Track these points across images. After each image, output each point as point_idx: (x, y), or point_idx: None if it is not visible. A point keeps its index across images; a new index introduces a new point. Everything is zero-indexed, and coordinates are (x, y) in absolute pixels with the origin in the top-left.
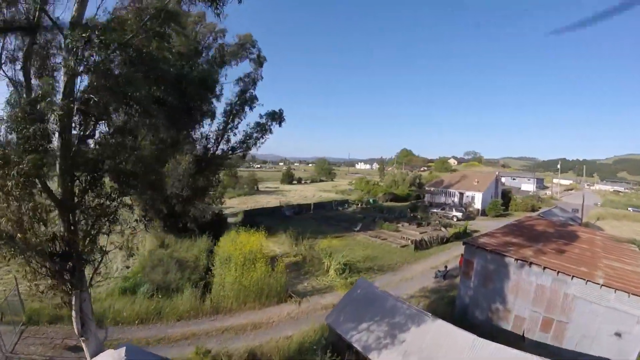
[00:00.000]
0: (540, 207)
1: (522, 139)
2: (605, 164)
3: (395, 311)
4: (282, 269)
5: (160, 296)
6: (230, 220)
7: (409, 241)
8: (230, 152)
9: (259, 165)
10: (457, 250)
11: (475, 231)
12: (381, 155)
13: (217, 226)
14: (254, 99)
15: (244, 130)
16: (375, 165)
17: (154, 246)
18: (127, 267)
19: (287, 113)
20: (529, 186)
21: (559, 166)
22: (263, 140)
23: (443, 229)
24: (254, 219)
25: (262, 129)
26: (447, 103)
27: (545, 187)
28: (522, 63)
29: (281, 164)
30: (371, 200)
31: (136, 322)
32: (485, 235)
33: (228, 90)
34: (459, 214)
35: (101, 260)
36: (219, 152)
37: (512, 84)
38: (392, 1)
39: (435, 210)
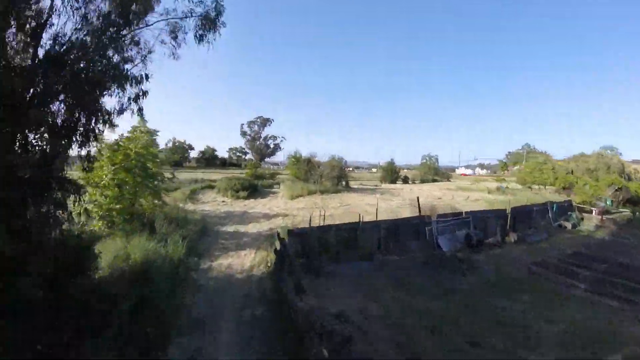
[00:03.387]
0: None
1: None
2: None
3: None
4: None
5: None
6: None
7: None
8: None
9: (350, 169)
10: None
11: None
12: (478, 160)
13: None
14: None
15: None
16: (479, 171)
17: None
18: None
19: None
20: None
21: None
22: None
23: None
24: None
25: None
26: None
27: None
28: None
29: (374, 170)
30: (608, 202)
31: None
32: None
33: None
34: None
35: None
36: None
37: None
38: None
39: None
